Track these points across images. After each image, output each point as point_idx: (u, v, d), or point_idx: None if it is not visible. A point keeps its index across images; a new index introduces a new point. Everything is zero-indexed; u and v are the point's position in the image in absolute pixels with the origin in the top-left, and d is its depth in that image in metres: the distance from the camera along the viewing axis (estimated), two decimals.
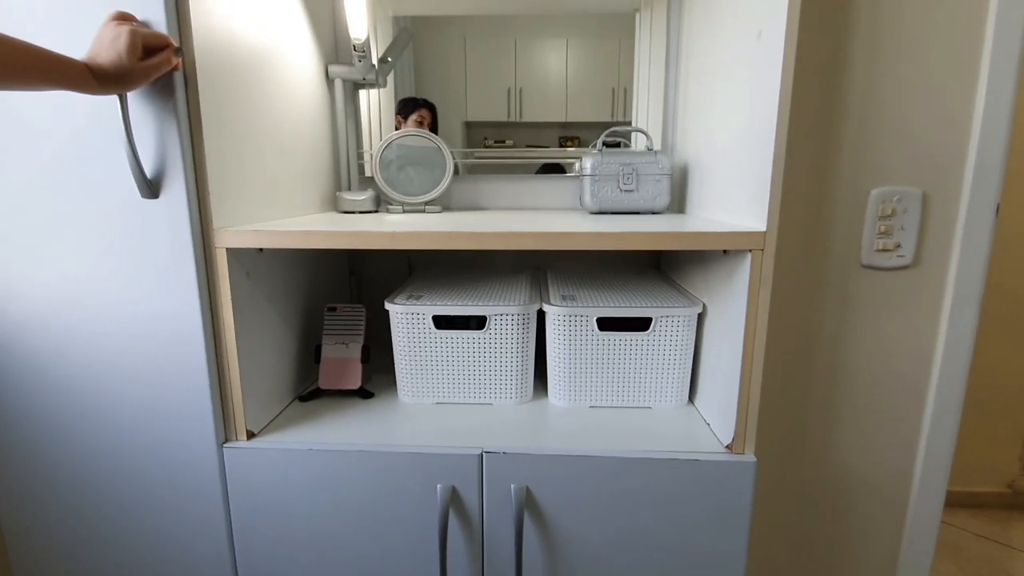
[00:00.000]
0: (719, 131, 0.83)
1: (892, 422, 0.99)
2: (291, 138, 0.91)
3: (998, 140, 0.86)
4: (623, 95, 1.08)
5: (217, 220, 0.69)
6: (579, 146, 1.11)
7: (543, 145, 1.12)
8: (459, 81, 1.10)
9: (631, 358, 0.83)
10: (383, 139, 1.03)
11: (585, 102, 1.10)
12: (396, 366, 0.87)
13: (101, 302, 0.70)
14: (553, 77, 1.09)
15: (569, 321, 0.82)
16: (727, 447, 0.72)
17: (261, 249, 0.78)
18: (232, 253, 0.70)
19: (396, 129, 1.11)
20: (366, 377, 0.90)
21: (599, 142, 0.98)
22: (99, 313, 0.70)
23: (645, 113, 1.08)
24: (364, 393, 0.90)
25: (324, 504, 0.74)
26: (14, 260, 0.69)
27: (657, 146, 1.07)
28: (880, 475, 1.02)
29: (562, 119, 1.11)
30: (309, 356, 0.95)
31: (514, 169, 1.12)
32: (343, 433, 0.77)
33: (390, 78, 1.09)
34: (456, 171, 1.08)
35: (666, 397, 0.85)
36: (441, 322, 0.84)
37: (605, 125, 1.09)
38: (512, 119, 1.11)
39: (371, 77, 1.04)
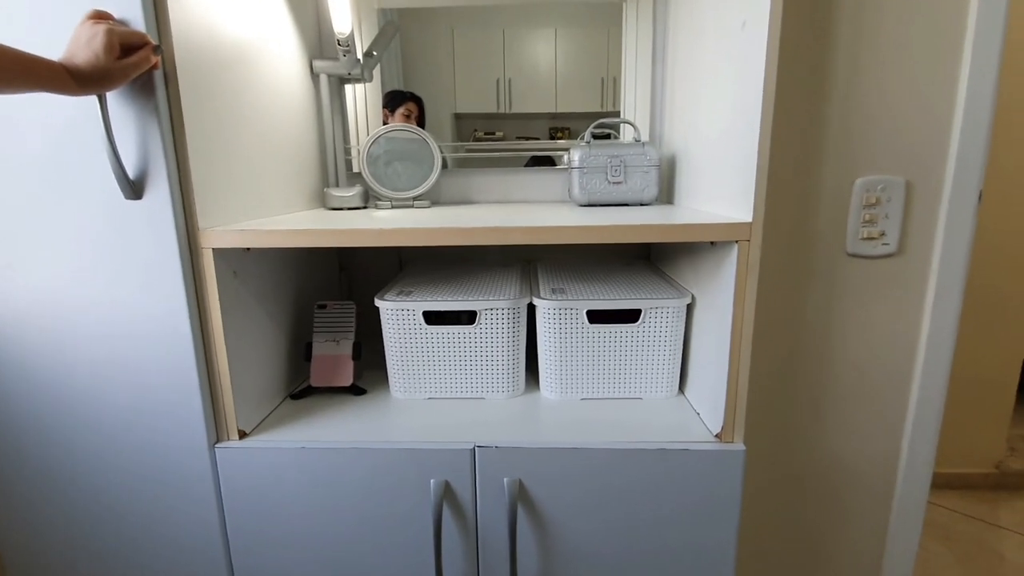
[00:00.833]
0: (705, 122, 0.83)
1: (878, 408, 1.01)
2: (276, 135, 0.90)
3: (980, 128, 0.87)
4: (612, 85, 1.08)
5: (202, 220, 0.68)
6: (569, 136, 1.11)
7: (533, 136, 1.12)
8: (447, 73, 1.09)
9: (621, 350, 0.84)
10: (370, 134, 1.02)
11: (575, 92, 1.09)
12: (387, 362, 0.87)
13: (86, 305, 0.69)
14: (542, 68, 1.08)
15: (559, 314, 0.83)
16: (716, 436, 0.73)
17: (248, 248, 0.77)
18: (218, 253, 0.70)
19: (383, 122, 1.10)
20: (357, 374, 0.90)
21: (587, 134, 0.98)
22: (85, 316, 0.70)
23: (633, 104, 1.08)
24: (356, 390, 0.90)
25: (318, 502, 0.74)
26: None
27: (645, 137, 1.07)
28: (866, 461, 1.03)
29: (552, 110, 1.10)
30: (300, 354, 0.95)
31: (503, 162, 1.12)
32: (335, 430, 0.77)
33: (376, 71, 1.08)
34: (444, 165, 1.08)
35: (657, 388, 0.86)
36: (432, 318, 0.84)
37: (595, 115, 1.09)
38: (502, 110, 1.10)
39: (356, 72, 1.03)
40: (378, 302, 0.84)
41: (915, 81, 0.88)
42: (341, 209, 1.01)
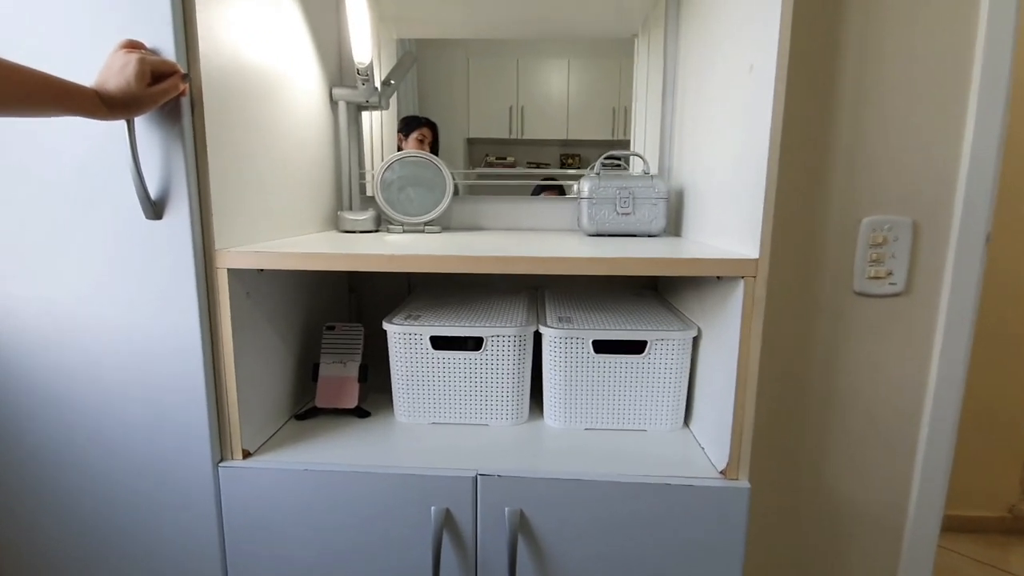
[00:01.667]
0: (713, 158, 0.84)
1: (887, 449, 0.99)
2: (294, 159, 0.92)
3: (986, 169, 0.87)
4: (624, 114, 1.10)
5: (219, 241, 0.70)
6: (580, 163, 1.13)
7: (544, 162, 1.14)
8: (462, 99, 1.12)
9: (626, 381, 0.84)
10: (384, 160, 1.04)
11: (586, 121, 1.11)
12: (393, 385, 0.87)
13: (102, 320, 0.71)
14: (554, 96, 1.11)
15: (565, 343, 0.83)
16: (721, 472, 0.73)
17: (262, 269, 0.79)
18: (233, 273, 0.71)
19: (398, 147, 1.13)
20: (363, 396, 0.91)
21: (596, 164, 1.00)
22: (100, 331, 0.71)
23: (643, 135, 1.10)
24: (361, 412, 0.90)
25: (317, 524, 0.74)
26: (17, 276, 0.71)
27: (654, 170, 1.09)
28: (875, 502, 1.02)
29: (563, 137, 1.12)
30: (306, 374, 0.95)
31: (514, 190, 1.14)
32: (339, 453, 0.78)
33: (393, 99, 1.11)
34: (456, 191, 1.10)
35: (661, 420, 0.85)
36: (438, 342, 0.85)
37: (606, 143, 1.11)
38: (514, 136, 1.13)
39: (374, 100, 1.06)
40: (386, 325, 0.85)
41: (921, 124, 0.89)
42: (353, 232, 1.03)
